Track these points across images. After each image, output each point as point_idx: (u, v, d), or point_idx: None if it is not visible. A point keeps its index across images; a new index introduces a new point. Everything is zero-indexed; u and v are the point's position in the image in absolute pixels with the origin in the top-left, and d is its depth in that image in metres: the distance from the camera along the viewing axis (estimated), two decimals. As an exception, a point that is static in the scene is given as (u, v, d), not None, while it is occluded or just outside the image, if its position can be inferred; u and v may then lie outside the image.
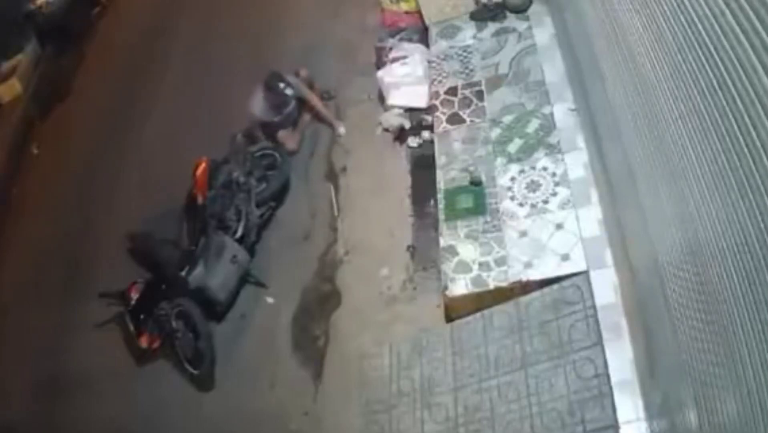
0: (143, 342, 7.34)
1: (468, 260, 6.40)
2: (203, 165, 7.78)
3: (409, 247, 7.28)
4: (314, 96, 8.75)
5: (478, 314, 6.23)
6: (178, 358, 7.31)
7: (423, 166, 7.82)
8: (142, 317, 7.37)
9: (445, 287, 6.33)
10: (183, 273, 7.35)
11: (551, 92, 7.35)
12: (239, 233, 7.74)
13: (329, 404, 6.58)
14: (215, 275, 7.43)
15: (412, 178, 7.87)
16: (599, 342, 5.46)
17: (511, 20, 8.40)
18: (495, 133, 7.30)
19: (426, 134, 8.00)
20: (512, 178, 6.83)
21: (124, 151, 10.00)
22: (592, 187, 6.39)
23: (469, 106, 7.69)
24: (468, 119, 7.60)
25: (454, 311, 6.38)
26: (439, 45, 8.53)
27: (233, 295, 7.67)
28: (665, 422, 4.69)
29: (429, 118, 8.00)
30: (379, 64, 8.79)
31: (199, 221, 7.59)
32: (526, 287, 6.10)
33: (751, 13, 2.56)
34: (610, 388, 5.23)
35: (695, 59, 3.21)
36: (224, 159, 8.18)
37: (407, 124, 8.14)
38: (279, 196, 8.34)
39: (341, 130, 8.65)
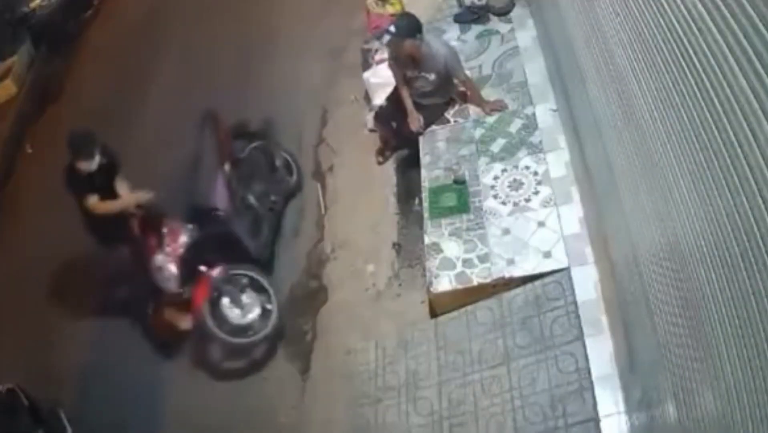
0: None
1: (452, 257, 6.49)
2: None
3: (394, 244, 7.39)
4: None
5: (462, 310, 6.32)
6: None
7: (408, 165, 7.94)
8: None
9: (430, 284, 6.40)
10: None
11: (533, 93, 7.46)
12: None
13: (317, 398, 6.66)
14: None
15: (397, 177, 7.99)
16: (580, 337, 5.56)
17: (495, 23, 8.53)
18: (478, 132, 7.40)
19: (411, 134, 8.08)
20: (495, 177, 6.93)
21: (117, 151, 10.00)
22: (574, 186, 6.49)
23: (452, 106, 7.78)
24: (452, 119, 7.70)
25: (439, 306, 6.46)
26: (424, 47, 8.59)
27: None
28: (645, 415, 4.77)
29: (414, 118, 8.04)
30: (365, 66, 8.88)
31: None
32: (508, 284, 6.19)
33: (728, 15, 2.67)
34: (591, 382, 5.31)
35: (674, 60, 3.31)
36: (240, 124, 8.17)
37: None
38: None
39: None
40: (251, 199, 7.66)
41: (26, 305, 8.48)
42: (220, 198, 7.29)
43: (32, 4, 13.12)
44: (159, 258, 7.07)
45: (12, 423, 6.72)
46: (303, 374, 6.88)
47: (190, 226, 7.24)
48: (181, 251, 7.12)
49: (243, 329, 7.00)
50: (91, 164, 6.84)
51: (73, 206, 6.88)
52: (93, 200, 6.83)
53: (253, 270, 7.23)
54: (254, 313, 7.07)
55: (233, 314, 7.02)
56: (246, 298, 7.10)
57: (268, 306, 7.10)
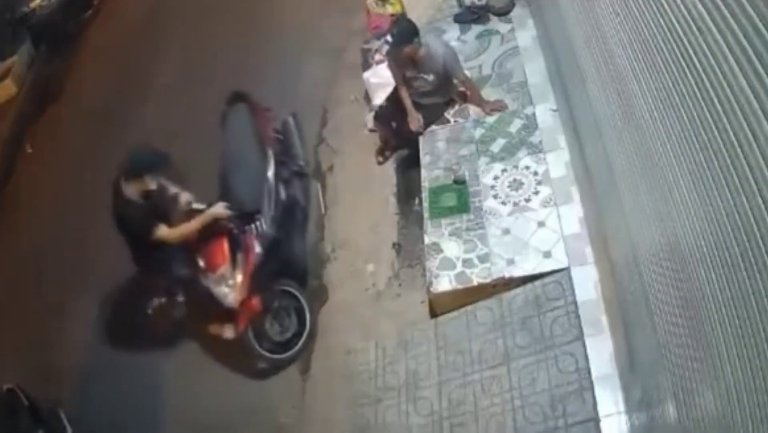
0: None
1: (452, 257, 6.49)
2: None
3: (394, 244, 7.39)
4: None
5: (462, 310, 6.32)
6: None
7: (408, 165, 7.95)
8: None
9: (430, 284, 6.40)
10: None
11: (533, 93, 7.46)
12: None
13: (317, 398, 6.67)
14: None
15: (397, 177, 8.00)
16: (580, 337, 5.56)
17: (494, 23, 8.53)
18: (478, 133, 7.40)
19: (411, 134, 8.08)
20: (495, 177, 6.93)
21: (116, 151, 9.95)
22: (574, 186, 6.49)
23: (452, 106, 7.78)
24: (452, 119, 7.70)
25: (439, 306, 6.46)
26: (424, 47, 8.59)
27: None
28: (645, 415, 4.78)
29: (414, 118, 8.04)
30: (365, 66, 8.89)
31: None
32: (508, 284, 6.19)
33: (728, 15, 2.67)
34: (591, 382, 5.32)
35: (674, 60, 3.31)
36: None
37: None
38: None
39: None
40: (284, 200, 7.39)
41: (26, 305, 8.48)
42: (264, 200, 7.09)
43: (32, 4, 13.19)
44: (223, 269, 6.64)
45: (12, 423, 6.72)
46: (303, 374, 6.89)
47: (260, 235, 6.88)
48: (254, 264, 6.75)
49: (279, 345, 6.93)
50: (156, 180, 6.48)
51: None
52: (163, 231, 6.34)
53: (295, 286, 7.11)
54: (291, 330, 7.01)
55: (273, 330, 6.93)
56: (285, 315, 7.02)
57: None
